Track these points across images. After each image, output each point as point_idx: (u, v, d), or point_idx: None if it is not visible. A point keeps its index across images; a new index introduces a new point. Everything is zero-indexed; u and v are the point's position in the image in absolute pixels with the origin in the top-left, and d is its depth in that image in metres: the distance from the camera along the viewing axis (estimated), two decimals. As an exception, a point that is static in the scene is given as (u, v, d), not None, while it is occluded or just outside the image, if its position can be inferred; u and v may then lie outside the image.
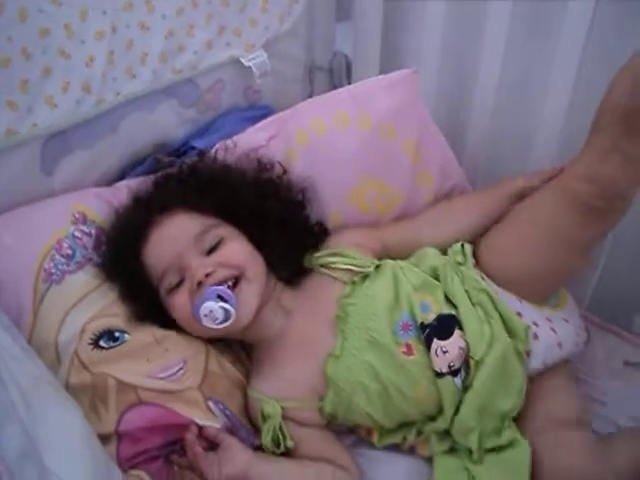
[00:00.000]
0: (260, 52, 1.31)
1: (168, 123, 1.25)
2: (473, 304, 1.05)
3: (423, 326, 1.01)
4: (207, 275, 0.99)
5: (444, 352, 1.00)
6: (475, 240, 1.14)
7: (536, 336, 1.06)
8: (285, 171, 1.16)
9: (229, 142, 1.20)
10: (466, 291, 1.06)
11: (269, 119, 1.24)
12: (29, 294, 1.00)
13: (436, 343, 1.00)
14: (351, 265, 1.09)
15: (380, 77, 1.21)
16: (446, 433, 1.05)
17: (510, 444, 1.02)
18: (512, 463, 1.00)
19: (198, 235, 1.02)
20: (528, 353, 1.05)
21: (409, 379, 1.01)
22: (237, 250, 1.04)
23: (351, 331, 1.03)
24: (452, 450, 1.06)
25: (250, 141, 1.20)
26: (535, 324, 1.07)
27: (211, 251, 1.02)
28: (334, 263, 1.10)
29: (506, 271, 1.08)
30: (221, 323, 0.98)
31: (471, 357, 1.00)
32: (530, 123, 1.28)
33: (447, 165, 1.23)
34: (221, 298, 0.97)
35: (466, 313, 1.03)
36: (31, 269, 1.01)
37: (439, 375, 1.00)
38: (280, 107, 1.30)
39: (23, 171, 1.06)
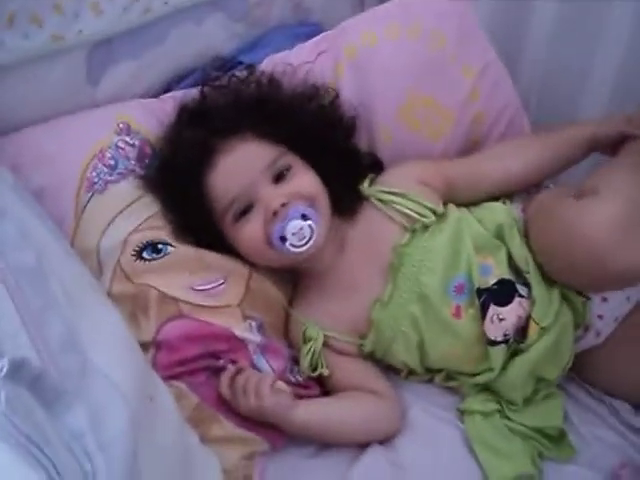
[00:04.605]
0: (310, -35, 1.26)
1: (216, 37, 1.22)
2: None
3: (480, 291, 0.97)
4: (283, 205, 0.97)
5: (500, 320, 0.96)
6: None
7: (605, 299, 1.01)
8: (338, 95, 1.12)
9: (277, 57, 1.17)
10: None
11: (318, 37, 1.20)
12: (71, 202, 1.00)
13: (493, 309, 0.96)
14: (413, 212, 1.03)
15: None
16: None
17: (545, 397, 1.01)
18: (546, 408, 1.00)
19: (270, 164, 1.00)
20: (601, 317, 1.01)
21: (448, 339, 0.99)
22: (309, 180, 1.02)
23: (402, 281, 1.01)
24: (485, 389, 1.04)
25: (298, 58, 1.16)
26: None
27: (279, 179, 1.00)
28: (395, 203, 1.05)
29: None
30: (306, 244, 0.97)
31: (536, 322, 0.95)
32: (588, 52, 1.21)
33: (499, 81, 1.15)
34: (304, 218, 0.97)
35: (536, 278, 0.98)
36: (74, 178, 1.01)
37: (493, 343, 0.96)
38: (330, 26, 1.24)
39: (68, 80, 1.05)
